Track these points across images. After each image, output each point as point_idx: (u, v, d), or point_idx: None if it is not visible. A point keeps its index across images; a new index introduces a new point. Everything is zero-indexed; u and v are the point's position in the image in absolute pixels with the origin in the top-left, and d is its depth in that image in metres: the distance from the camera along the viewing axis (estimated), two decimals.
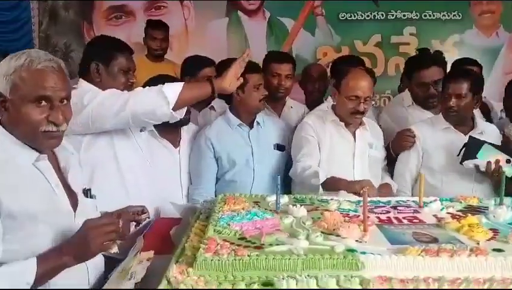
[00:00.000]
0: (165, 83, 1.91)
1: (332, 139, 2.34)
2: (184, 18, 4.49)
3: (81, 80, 2.04)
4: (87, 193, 1.49)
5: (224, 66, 2.29)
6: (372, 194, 1.90)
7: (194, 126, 2.57)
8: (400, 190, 2.38)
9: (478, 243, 1.34)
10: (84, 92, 1.93)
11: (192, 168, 2.44)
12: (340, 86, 2.30)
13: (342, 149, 2.34)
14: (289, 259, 1.21)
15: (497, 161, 2.14)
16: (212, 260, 1.21)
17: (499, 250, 1.29)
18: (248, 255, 1.23)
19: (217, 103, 2.77)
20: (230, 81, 1.98)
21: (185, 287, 1.13)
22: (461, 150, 2.24)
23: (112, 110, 1.88)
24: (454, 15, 4.25)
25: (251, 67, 2.32)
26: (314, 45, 4.37)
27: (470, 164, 2.19)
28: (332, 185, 2.11)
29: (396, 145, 2.48)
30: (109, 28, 4.39)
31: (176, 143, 2.42)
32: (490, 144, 2.21)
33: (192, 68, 2.76)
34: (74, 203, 1.40)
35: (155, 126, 2.24)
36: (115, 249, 1.30)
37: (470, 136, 2.29)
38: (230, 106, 2.50)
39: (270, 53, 3.14)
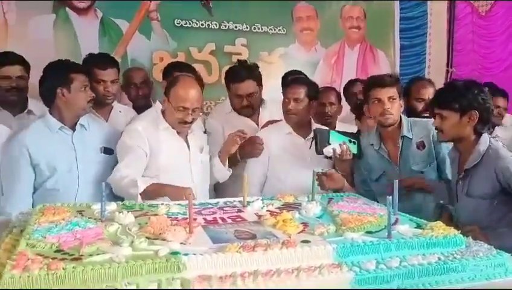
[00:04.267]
0: None
1: (167, 146, 2.31)
2: (3, 11, 4.00)
3: None
4: None
5: None
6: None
7: (6, 129, 2.30)
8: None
9: (290, 236, 1.47)
10: None
11: (4, 177, 2.18)
12: (169, 94, 2.29)
13: (178, 156, 2.34)
14: (109, 268, 1.17)
15: (344, 142, 2.41)
16: (20, 277, 1.10)
17: (307, 241, 1.43)
18: (63, 269, 1.15)
19: (36, 106, 2.53)
20: None
21: None
22: (311, 143, 2.44)
23: None
24: (279, 30, 4.63)
25: (76, 68, 2.21)
26: (150, 49, 4.28)
27: (329, 149, 2.40)
28: (157, 191, 2.11)
29: (246, 152, 2.59)
30: None
31: None
32: (334, 130, 2.47)
33: None
34: None
35: None
36: None
37: (314, 129, 2.50)
38: (50, 109, 2.29)
39: (92, 57, 2.78)
